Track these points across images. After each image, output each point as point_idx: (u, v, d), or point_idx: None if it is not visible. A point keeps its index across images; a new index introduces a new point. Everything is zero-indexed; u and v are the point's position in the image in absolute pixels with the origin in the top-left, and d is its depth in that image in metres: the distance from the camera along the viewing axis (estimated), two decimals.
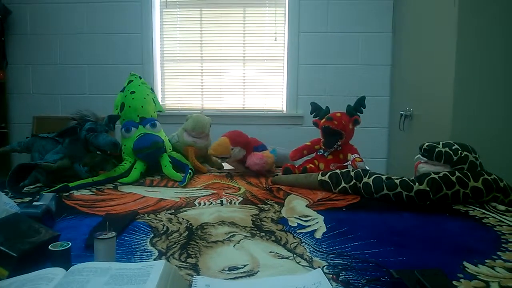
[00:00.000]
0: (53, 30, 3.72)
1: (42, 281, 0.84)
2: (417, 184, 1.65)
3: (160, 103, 2.83)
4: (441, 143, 1.75)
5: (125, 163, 2.22)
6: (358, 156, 2.11)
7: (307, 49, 3.66)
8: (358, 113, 2.28)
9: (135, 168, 2.19)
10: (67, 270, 0.88)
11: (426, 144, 1.76)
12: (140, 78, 2.53)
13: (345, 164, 2.13)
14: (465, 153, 1.70)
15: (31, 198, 1.68)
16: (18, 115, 3.80)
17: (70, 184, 1.89)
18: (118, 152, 2.16)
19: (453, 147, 1.72)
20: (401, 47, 3.39)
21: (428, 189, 1.62)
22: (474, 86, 2.32)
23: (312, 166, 2.21)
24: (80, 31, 3.72)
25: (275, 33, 3.73)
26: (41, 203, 1.34)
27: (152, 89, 2.58)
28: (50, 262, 0.96)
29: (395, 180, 1.70)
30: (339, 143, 2.18)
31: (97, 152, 2.08)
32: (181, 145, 2.39)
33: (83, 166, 2.04)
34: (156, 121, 2.37)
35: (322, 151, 2.27)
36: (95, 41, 3.72)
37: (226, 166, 2.51)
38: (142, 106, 2.36)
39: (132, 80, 2.48)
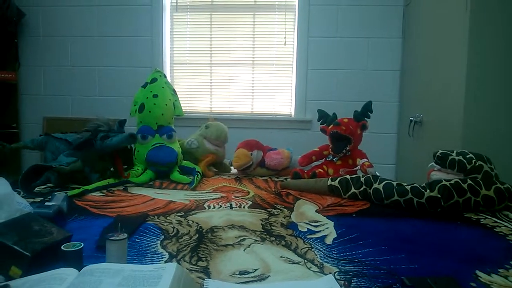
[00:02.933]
0: (65, 33, 3.75)
1: (55, 281, 0.85)
2: (428, 190, 1.64)
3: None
4: (455, 151, 1.73)
5: (138, 169, 2.22)
6: (367, 160, 2.11)
7: (316, 54, 3.65)
8: (366, 118, 2.27)
9: (146, 173, 2.21)
10: (79, 271, 0.88)
11: (440, 151, 1.75)
12: (165, 77, 2.48)
13: (354, 169, 2.13)
14: (480, 162, 1.67)
15: (42, 198, 1.70)
16: (29, 116, 3.83)
17: (89, 187, 1.90)
18: (135, 142, 2.14)
19: (467, 156, 1.69)
20: (411, 52, 3.38)
21: (439, 196, 1.61)
22: (486, 92, 2.30)
23: (322, 171, 2.21)
24: (91, 34, 3.75)
25: (285, 38, 3.73)
26: (53, 203, 1.35)
27: (174, 91, 2.52)
28: (62, 262, 0.96)
29: (406, 187, 1.69)
30: (347, 148, 2.18)
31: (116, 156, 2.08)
32: (201, 152, 2.39)
33: (95, 173, 2.04)
34: (173, 132, 2.33)
35: (331, 157, 2.26)
36: (106, 43, 3.75)
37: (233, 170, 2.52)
38: (162, 114, 2.31)
39: (157, 79, 2.40)
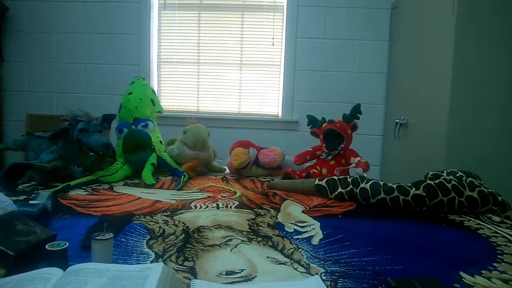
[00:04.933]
0: (51, 29, 3.70)
1: (39, 281, 0.83)
2: (413, 189, 1.66)
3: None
4: (445, 171, 1.75)
5: (117, 164, 2.20)
6: (360, 158, 2.14)
7: (304, 55, 3.67)
8: (355, 119, 2.30)
9: (121, 169, 2.18)
10: (64, 270, 0.87)
11: (431, 173, 1.75)
12: (143, 80, 2.52)
13: (348, 167, 2.14)
14: (470, 179, 1.70)
15: (26, 197, 1.67)
16: (12, 112, 3.77)
17: (72, 183, 1.89)
18: (110, 153, 2.13)
19: (457, 175, 1.72)
20: (397, 55, 3.42)
21: (424, 194, 1.63)
22: (471, 95, 2.34)
23: (316, 171, 2.22)
24: (77, 30, 3.70)
25: (273, 38, 3.74)
26: (38, 201, 1.33)
27: (153, 91, 2.56)
28: (46, 262, 0.95)
29: (392, 185, 1.71)
30: (341, 146, 2.21)
31: (90, 153, 2.06)
32: (182, 158, 2.36)
33: (78, 167, 2.02)
34: (149, 121, 2.32)
35: (324, 155, 2.27)
36: (92, 40, 3.71)
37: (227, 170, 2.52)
38: (136, 107, 2.32)
39: (134, 82, 2.47)
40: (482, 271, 1.09)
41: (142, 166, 2.19)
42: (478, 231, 1.46)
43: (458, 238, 1.39)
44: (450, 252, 1.25)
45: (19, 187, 1.85)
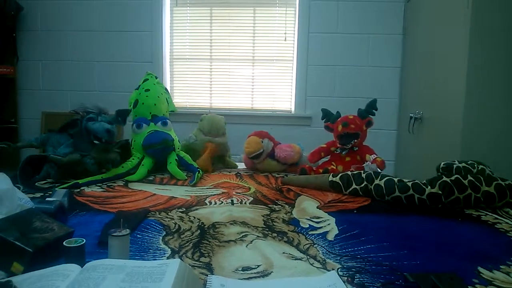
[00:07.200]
0: (64, 27, 3.74)
1: (58, 277, 0.84)
2: (429, 187, 1.64)
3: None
4: (456, 161, 1.75)
5: (133, 159, 2.23)
6: (376, 156, 2.13)
7: (316, 50, 3.65)
8: (370, 115, 2.29)
9: (142, 165, 2.19)
10: (81, 267, 0.88)
11: (443, 163, 1.75)
12: (156, 78, 2.55)
13: (363, 165, 2.13)
14: (481, 166, 1.71)
15: (43, 194, 1.69)
16: (27, 111, 3.82)
17: (80, 181, 1.90)
18: (113, 140, 2.16)
19: (469, 162, 1.73)
20: (411, 49, 3.38)
21: (440, 192, 1.61)
22: (486, 89, 2.30)
23: (333, 167, 2.21)
24: (90, 28, 3.73)
25: (285, 33, 3.72)
26: (54, 198, 1.35)
27: (166, 89, 2.60)
28: (64, 258, 0.96)
29: (407, 183, 1.69)
30: (355, 141, 2.20)
31: (95, 141, 2.07)
32: (200, 143, 2.39)
33: (91, 159, 2.04)
34: (167, 120, 2.38)
35: (339, 150, 2.27)
36: (105, 38, 3.73)
37: (240, 166, 2.52)
38: (155, 104, 2.37)
39: (148, 79, 2.50)
40: (501, 266, 1.08)
41: (163, 157, 2.25)
42: (495, 226, 1.44)
43: (476, 233, 1.37)
44: (468, 247, 1.23)
45: (36, 183, 1.88)
